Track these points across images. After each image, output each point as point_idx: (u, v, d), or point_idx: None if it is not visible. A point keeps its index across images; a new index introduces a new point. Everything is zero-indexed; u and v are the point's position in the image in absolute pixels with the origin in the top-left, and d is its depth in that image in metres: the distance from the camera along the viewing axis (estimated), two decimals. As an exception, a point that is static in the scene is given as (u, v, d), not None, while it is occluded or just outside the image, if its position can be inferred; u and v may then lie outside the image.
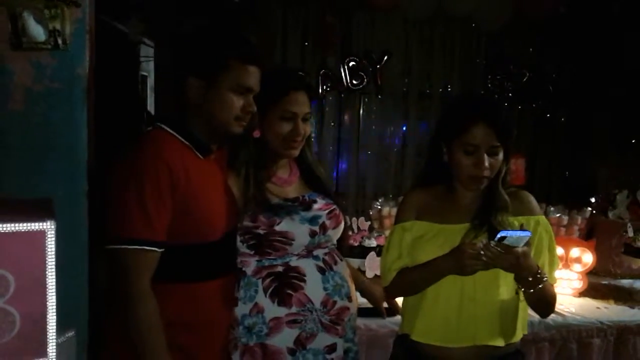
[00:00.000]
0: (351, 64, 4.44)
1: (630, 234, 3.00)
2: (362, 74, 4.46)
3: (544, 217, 1.74)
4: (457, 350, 1.68)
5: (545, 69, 4.58)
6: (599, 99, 4.25)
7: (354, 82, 4.48)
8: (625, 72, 4.08)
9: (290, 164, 1.92)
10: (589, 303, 2.83)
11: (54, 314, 1.28)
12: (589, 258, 2.91)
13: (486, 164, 1.62)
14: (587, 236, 3.14)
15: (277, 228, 1.74)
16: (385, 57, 4.45)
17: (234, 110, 1.61)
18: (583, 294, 2.93)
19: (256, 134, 1.79)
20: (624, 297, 2.93)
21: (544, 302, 1.68)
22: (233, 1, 3.92)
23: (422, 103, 4.91)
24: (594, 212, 3.29)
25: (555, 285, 1.76)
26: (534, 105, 4.74)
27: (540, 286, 1.59)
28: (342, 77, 4.46)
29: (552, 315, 2.60)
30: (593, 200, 3.58)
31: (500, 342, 1.67)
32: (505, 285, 1.66)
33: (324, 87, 4.48)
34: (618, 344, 2.59)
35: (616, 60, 4.14)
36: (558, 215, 3.08)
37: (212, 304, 1.68)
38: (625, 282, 3.19)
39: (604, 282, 3.17)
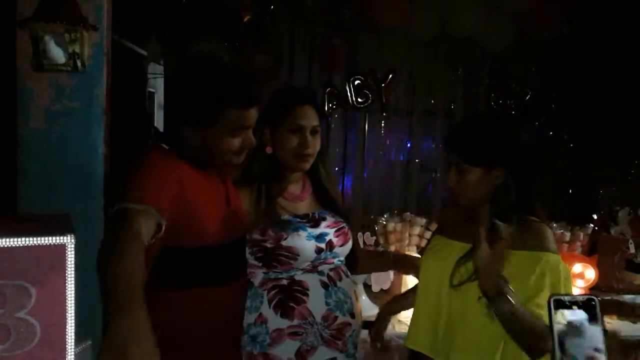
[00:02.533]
0: (356, 82, 4.49)
1: (632, 250, 3.03)
2: (367, 92, 4.50)
3: (556, 255, 1.58)
4: None
5: (548, 88, 4.64)
6: (600, 118, 4.30)
7: (359, 100, 4.53)
8: (626, 93, 4.14)
9: (303, 180, 1.96)
10: (591, 318, 2.86)
11: (73, 324, 1.34)
12: (591, 274, 2.95)
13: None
14: (590, 252, 3.17)
15: (283, 243, 1.78)
16: (390, 76, 4.51)
17: (232, 149, 1.65)
18: (586, 309, 2.96)
19: (268, 150, 1.85)
20: (627, 313, 2.95)
21: (525, 336, 1.47)
22: (242, 21, 4.01)
23: (426, 120, 4.98)
24: (596, 228, 3.32)
25: None
26: (537, 124, 4.79)
27: (507, 309, 1.42)
28: (347, 95, 4.52)
29: (555, 330, 2.64)
30: (595, 217, 3.62)
31: None
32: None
33: (330, 105, 4.54)
34: (620, 359, 2.61)
35: (617, 80, 4.20)
36: (561, 231, 3.11)
37: (221, 310, 1.72)
38: (628, 298, 3.21)
39: (606, 298, 3.20)
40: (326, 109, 4.53)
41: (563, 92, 4.59)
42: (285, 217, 1.84)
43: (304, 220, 1.86)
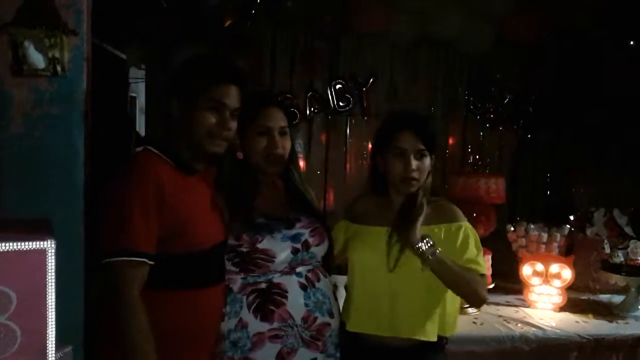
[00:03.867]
0: (338, 86, 4.53)
1: (608, 250, 3.09)
2: (349, 96, 4.55)
3: (467, 224, 1.93)
4: (386, 339, 1.87)
5: (526, 91, 4.71)
6: (576, 121, 4.38)
7: (341, 104, 4.57)
8: (602, 97, 4.23)
9: (275, 183, 1.98)
10: (568, 317, 2.92)
11: (54, 329, 1.34)
12: (568, 274, 3.01)
13: (413, 166, 1.85)
14: (567, 253, 3.23)
15: (259, 246, 1.80)
16: (371, 80, 4.55)
17: (207, 126, 1.69)
18: (563, 308, 3.02)
19: (239, 155, 1.88)
20: (603, 312, 3.02)
21: (461, 285, 1.83)
22: (224, 25, 4.02)
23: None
24: (573, 229, 3.39)
25: (488, 279, 2.06)
26: (515, 127, 4.86)
27: (431, 258, 1.77)
28: (329, 99, 4.55)
29: (533, 329, 2.70)
30: (572, 218, 3.68)
31: (422, 336, 1.85)
32: (428, 287, 1.84)
33: (312, 109, 4.56)
34: (596, 357, 2.67)
35: (594, 85, 4.29)
36: (538, 233, 3.16)
37: (203, 312, 1.74)
38: (604, 297, 3.29)
39: (583, 297, 3.27)
40: (307, 113, 4.56)
41: (541, 96, 4.66)
42: (260, 220, 1.86)
43: (278, 222, 1.87)
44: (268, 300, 1.81)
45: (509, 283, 3.31)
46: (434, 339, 1.87)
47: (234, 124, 1.74)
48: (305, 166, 4.72)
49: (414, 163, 1.86)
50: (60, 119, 1.75)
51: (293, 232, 1.87)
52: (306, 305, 1.85)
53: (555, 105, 4.57)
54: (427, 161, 1.89)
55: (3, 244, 1.28)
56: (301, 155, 4.67)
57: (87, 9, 1.82)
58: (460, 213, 1.94)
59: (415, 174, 1.86)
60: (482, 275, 1.88)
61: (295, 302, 1.83)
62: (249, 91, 1.82)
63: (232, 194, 1.86)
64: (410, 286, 1.85)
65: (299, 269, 1.88)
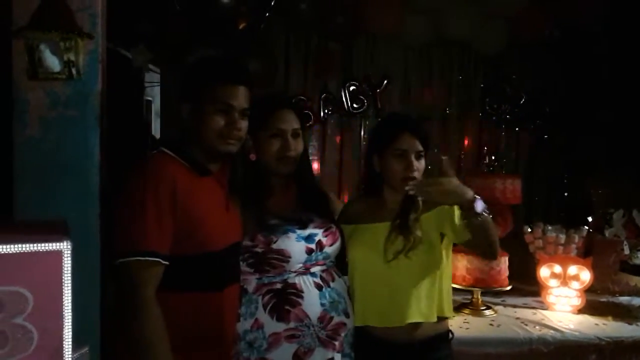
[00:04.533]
0: (352, 88, 4.52)
1: (627, 251, 3.05)
2: (363, 97, 4.54)
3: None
4: (392, 329, 1.91)
5: (542, 91, 4.66)
6: (593, 120, 4.32)
7: (355, 105, 4.55)
8: (620, 96, 4.17)
9: (289, 184, 1.99)
10: (587, 320, 2.88)
11: (70, 330, 1.35)
12: (586, 276, 2.97)
13: (414, 166, 1.92)
14: (585, 254, 3.19)
15: (273, 246, 1.81)
16: (385, 82, 4.54)
17: (216, 128, 1.70)
18: (582, 311, 2.98)
19: (252, 157, 1.88)
20: (622, 314, 2.98)
21: (486, 235, 1.82)
22: (237, 28, 4.03)
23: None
24: (591, 230, 3.34)
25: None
26: (532, 127, 4.81)
27: (480, 215, 1.75)
28: (343, 101, 4.54)
29: (551, 332, 2.67)
30: (590, 219, 3.63)
31: (425, 318, 1.91)
32: (424, 271, 1.91)
33: (326, 110, 4.56)
34: (615, 360, 2.63)
35: (611, 83, 4.23)
36: (555, 234, 3.13)
37: (218, 314, 1.74)
38: (623, 299, 3.24)
39: (602, 300, 3.22)
40: (322, 115, 4.55)
41: (557, 95, 4.61)
42: (274, 221, 1.86)
43: (292, 223, 1.88)
44: (284, 301, 1.81)
45: (527, 285, 3.28)
46: (434, 319, 1.92)
47: (244, 124, 1.74)
48: (320, 168, 4.72)
49: (414, 163, 1.93)
50: (75, 121, 1.78)
51: (307, 232, 1.88)
52: (322, 304, 1.85)
53: (571, 104, 4.52)
54: (424, 162, 1.97)
55: (19, 245, 1.29)
56: (315, 157, 4.67)
57: (102, 12, 1.85)
58: None
59: (415, 174, 1.92)
60: None
61: (311, 302, 1.83)
62: (261, 93, 1.83)
63: (245, 195, 1.87)
64: (407, 273, 1.91)
65: (313, 269, 1.88)
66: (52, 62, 1.70)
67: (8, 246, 1.28)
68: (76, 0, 1.75)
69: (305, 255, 1.85)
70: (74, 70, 1.72)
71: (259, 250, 1.81)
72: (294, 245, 1.83)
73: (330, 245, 1.92)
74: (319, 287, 1.86)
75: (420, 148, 1.95)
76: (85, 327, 1.69)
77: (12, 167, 1.73)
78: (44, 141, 1.76)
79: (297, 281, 1.84)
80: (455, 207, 1.86)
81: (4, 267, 1.28)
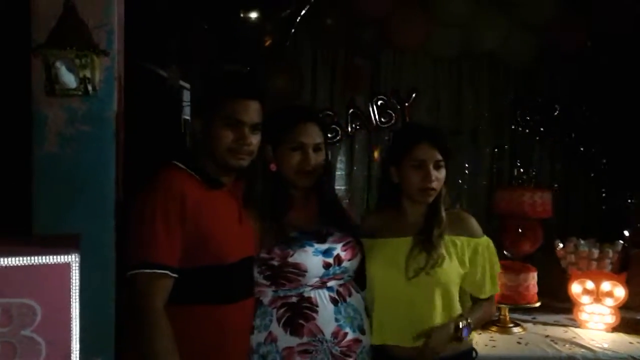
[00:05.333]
0: (379, 102, 4.49)
1: (664, 266, 2.92)
2: (391, 112, 4.49)
3: (485, 237, 1.97)
4: (410, 350, 1.85)
5: (575, 102, 4.54)
6: (628, 131, 4.19)
7: (383, 120, 4.50)
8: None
9: (309, 197, 1.97)
10: (621, 338, 2.77)
11: (78, 342, 1.35)
12: (620, 292, 2.85)
13: (432, 176, 1.87)
14: (621, 270, 3.07)
15: (290, 260, 1.79)
16: (414, 95, 4.49)
17: (226, 142, 1.71)
18: (616, 329, 2.86)
19: (272, 167, 1.87)
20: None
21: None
22: (264, 45, 4.07)
23: (451, 139, 4.90)
24: (627, 245, 3.22)
25: (497, 295, 2.08)
26: (567, 139, 4.68)
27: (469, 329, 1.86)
28: (370, 115, 4.51)
29: (582, 350, 2.57)
30: (627, 233, 3.50)
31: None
32: (443, 288, 1.89)
33: (353, 125, 4.53)
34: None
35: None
36: (588, 248, 3.02)
37: (231, 327, 1.73)
38: (661, 317, 3.10)
39: (638, 317, 3.08)
40: (349, 129, 4.53)
41: (591, 106, 4.48)
42: (292, 234, 1.84)
43: (311, 236, 1.85)
44: (298, 314, 1.79)
45: (557, 302, 3.18)
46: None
47: (254, 139, 1.74)
48: (348, 183, 4.69)
49: (433, 173, 1.88)
50: (91, 137, 1.80)
51: (325, 246, 1.85)
52: (337, 320, 1.82)
53: (605, 115, 4.38)
54: (444, 171, 1.92)
55: (28, 258, 1.31)
56: (343, 172, 4.65)
57: (119, 29, 1.88)
58: (477, 225, 1.98)
59: (434, 184, 1.89)
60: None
61: (326, 317, 1.81)
62: (285, 105, 1.82)
63: (264, 208, 1.86)
64: (427, 292, 1.88)
65: (330, 283, 1.85)
66: (69, 79, 1.73)
67: (17, 259, 1.30)
68: (93, 18, 1.78)
69: (323, 270, 1.82)
70: (89, 87, 1.74)
71: (275, 263, 1.80)
72: (311, 259, 1.81)
73: (349, 259, 1.89)
74: (334, 302, 1.84)
75: (439, 157, 1.90)
76: (100, 338, 1.70)
77: (30, 183, 1.77)
78: (61, 156, 1.78)
79: (312, 295, 1.82)
80: (494, 258, 1.95)
81: (12, 279, 1.30)
